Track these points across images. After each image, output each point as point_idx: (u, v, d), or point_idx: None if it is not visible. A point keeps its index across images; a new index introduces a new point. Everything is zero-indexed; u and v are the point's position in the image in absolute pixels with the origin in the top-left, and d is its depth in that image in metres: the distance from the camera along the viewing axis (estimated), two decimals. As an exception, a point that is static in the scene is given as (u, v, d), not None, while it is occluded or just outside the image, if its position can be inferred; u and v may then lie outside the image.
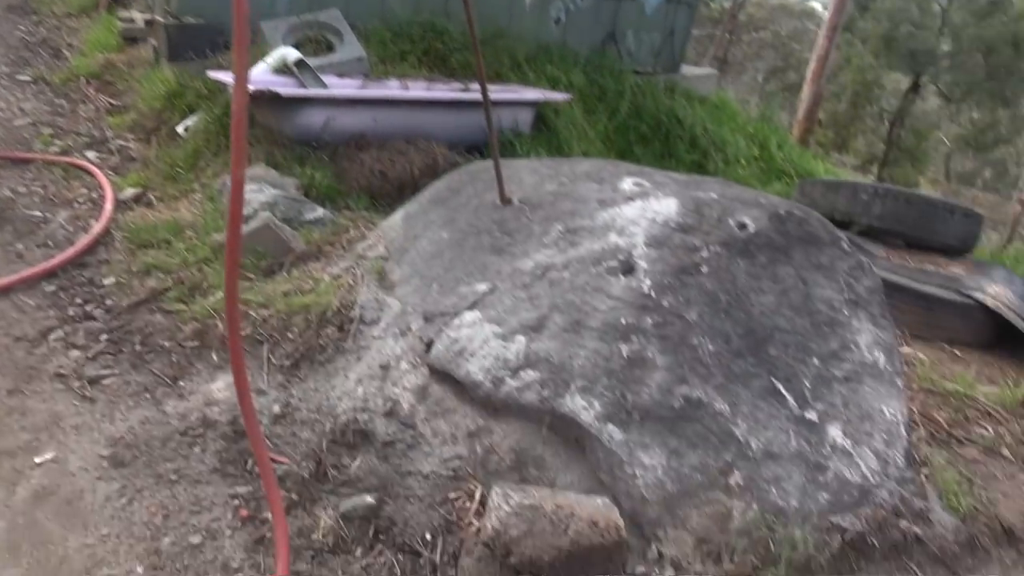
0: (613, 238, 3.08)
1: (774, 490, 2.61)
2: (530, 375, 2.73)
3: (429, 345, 2.95)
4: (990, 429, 3.96)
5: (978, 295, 5.05)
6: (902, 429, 3.02)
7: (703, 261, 3.01)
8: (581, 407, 2.64)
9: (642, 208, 3.21)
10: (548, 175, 3.66)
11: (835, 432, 2.85)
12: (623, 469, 2.56)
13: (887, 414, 3.02)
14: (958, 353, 5.03)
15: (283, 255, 3.94)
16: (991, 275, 5.52)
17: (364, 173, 5.08)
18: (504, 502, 2.36)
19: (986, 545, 2.90)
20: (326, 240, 4.19)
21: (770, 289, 3.10)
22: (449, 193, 3.82)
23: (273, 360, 3.23)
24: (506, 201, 3.46)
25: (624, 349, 2.74)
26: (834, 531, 2.64)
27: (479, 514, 2.53)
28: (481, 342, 2.85)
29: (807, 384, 2.93)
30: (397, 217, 4.07)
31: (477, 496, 2.58)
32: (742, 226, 3.21)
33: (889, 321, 3.32)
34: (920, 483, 2.96)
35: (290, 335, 3.31)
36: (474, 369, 2.78)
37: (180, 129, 5.56)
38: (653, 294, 2.86)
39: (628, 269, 2.98)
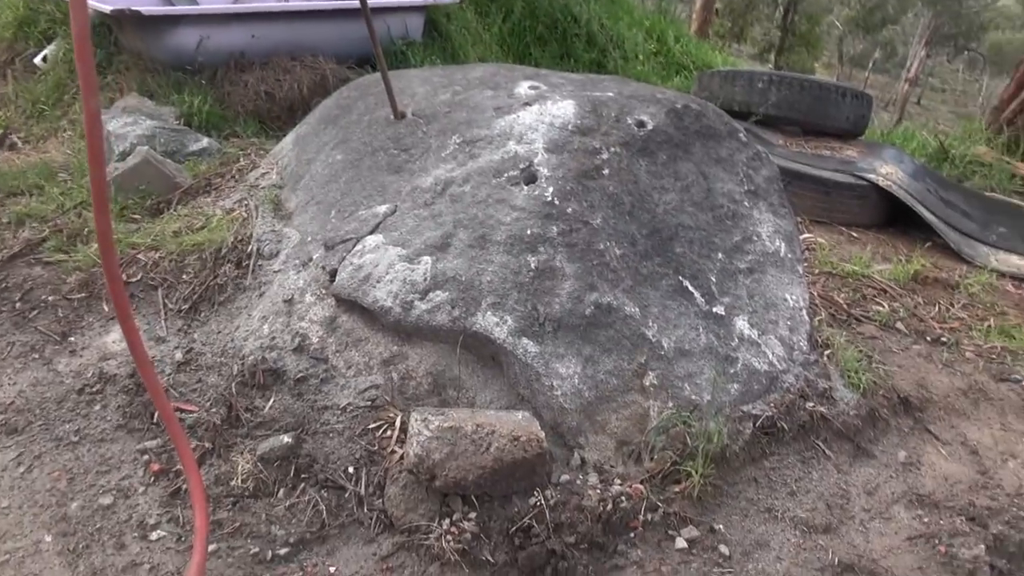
0: (512, 146, 2.99)
1: (687, 386, 2.68)
2: (439, 296, 2.67)
3: (333, 275, 2.84)
4: (885, 305, 4.17)
5: (871, 176, 5.23)
6: (804, 315, 3.13)
7: (604, 164, 2.97)
8: (494, 324, 2.62)
9: (539, 113, 3.11)
10: (441, 84, 3.50)
11: (742, 324, 2.93)
12: (540, 382, 2.57)
13: (790, 301, 3.12)
14: (855, 235, 5.24)
15: (169, 191, 3.70)
16: (883, 156, 5.71)
17: (249, 96, 4.77)
18: (424, 427, 2.34)
19: (885, 416, 3.08)
20: (214, 172, 3.94)
21: (672, 187, 3.10)
22: (340, 111, 3.62)
23: (170, 305, 3.06)
24: (400, 115, 3.30)
25: (532, 261, 2.71)
26: (746, 419, 2.74)
27: (401, 442, 2.51)
28: (386, 267, 2.76)
29: (713, 279, 2.98)
30: (288, 140, 3.85)
31: (397, 424, 2.55)
32: (640, 124, 3.17)
33: (788, 209, 3.39)
34: (823, 365, 3.10)
35: (185, 277, 3.13)
36: (382, 295, 2.70)
37: (37, 60, 5.06)
38: (557, 202, 2.82)
39: (530, 178, 2.91)
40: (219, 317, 2.97)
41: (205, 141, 4.22)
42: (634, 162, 3.05)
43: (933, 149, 6.46)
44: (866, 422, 3.03)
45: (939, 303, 4.33)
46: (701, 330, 2.82)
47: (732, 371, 2.80)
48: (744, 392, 2.79)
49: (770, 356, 2.91)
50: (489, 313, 2.63)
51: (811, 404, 2.90)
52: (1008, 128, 6.18)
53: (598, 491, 2.43)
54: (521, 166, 2.92)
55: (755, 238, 3.21)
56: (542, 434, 2.40)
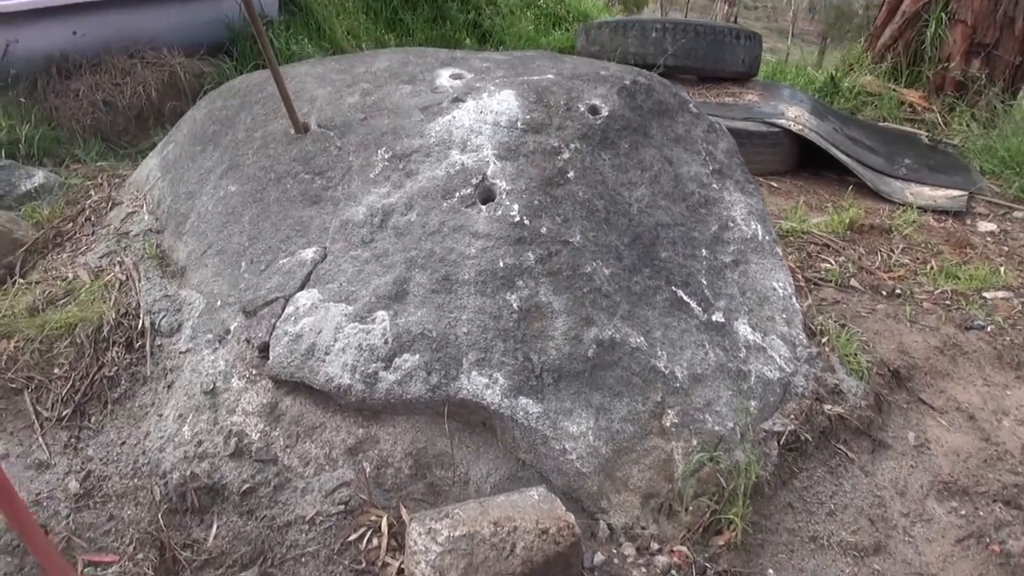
0: (457, 157, 2.47)
1: (709, 417, 2.32)
2: (409, 361, 2.15)
3: (264, 349, 2.25)
4: (833, 262, 4.01)
5: (782, 122, 5.06)
6: (795, 302, 2.85)
7: (567, 165, 2.51)
8: (483, 386, 2.14)
9: (478, 110, 2.59)
10: (343, 82, 2.88)
11: (743, 329, 2.60)
12: (549, 446, 2.13)
13: (779, 290, 2.83)
14: (775, 184, 5.08)
15: (6, 252, 2.89)
16: (782, 96, 5.57)
17: (83, 109, 3.90)
18: (431, 541, 1.85)
19: (887, 397, 2.89)
20: (62, 215, 3.15)
21: (640, 179, 2.69)
22: (218, 126, 2.93)
23: (44, 412, 2.35)
24: (302, 128, 2.67)
25: (513, 300, 2.23)
26: (770, 439, 2.44)
27: (393, 550, 2.01)
28: (333, 332, 2.20)
29: (704, 281, 2.62)
30: (152, 166, 3.11)
31: (384, 528, 2.04)
32: (594, 111, 2.72)
33: (754, 184, 3.08)
34: (825, 355, 2.84)
35: (58, 371, 2.42)
36: (335, 371, 2.15)
37: None
38: (526, 221, 2.34)
39: (486, 195, 2.41)
40: (117, 422, 2.31)
41: (40, 175, 3.38)
42: (597, 157, 2.61)
43: (821, 83, 6.41)
44: (874, 410, 2.81)
45: (880, 251, 4.23)
46: (707, 346, 2.46)
47: (747, 386, 2.47)
48: (762, 408, 2.48)
49: (778, 360, 2.61)
50: (475, 373, 2.15)
51: (828, 407, 2.64)
52: (889, 55, 6.20)
53: (641, 568, 2.05)
54: (473, 181, 2.41)
55: (731, 224, 2.87)
56: (571, 518, 1.97)
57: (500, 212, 2.34)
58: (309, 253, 2.39)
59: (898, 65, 6.15)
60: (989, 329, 3.58)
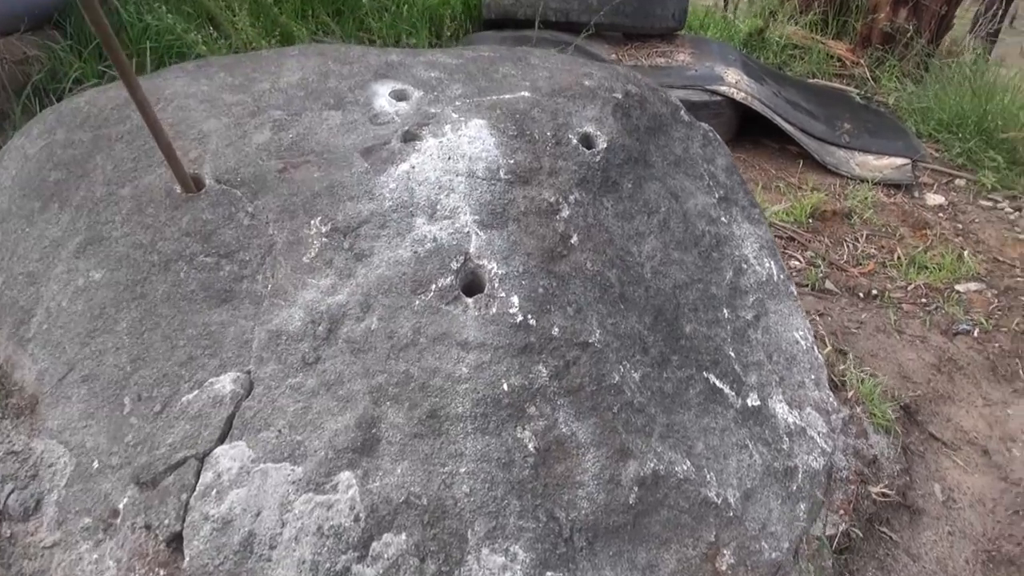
0: (425, 228, 1.80)
1: (765, 545, 1.85)
2: (392, 544, 1.53)
3: (175, 541, 1.55)
4: (802, 259, 3.64)
5: (724, 89, 4.58)
6: (817, 353, 2.41)
7: (569, 226, 1.90)
8: (499, 568, 1.56)
9: (443, 153, 1.91)
10: (242, 107, 2.09)
11: (780, 409, 2.13)
12: (594, 637, 1.59)
13: (802, 342, 2.37)
14: (722, 160, 4.63)
15: None
16: (713, 54, 5.08)
17: None
18: None
19: (907, 445, 2.55)
20: None
21: (648, 227, 2.12)
22: (63, 172, 2.08)
23: None
24: (193, 185, 1.90)
25: (526, 436, 1.64)
26: (823, 548, 2.01)
27: None
28: (277, 510, 1.53)
29: (732, 354, 2.12)
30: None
31: None
32: (588, 141, 2.10)
33: (758, 208, 2.57)
34: (857, 417, 2.43)
35: None
36: (288, 573, 1.50)
37: None
38: (531, 318, 1.73)
39: (474, 283, 1.77)
40: (-44, 663, 1.57)
41: None
42: (600, 207, 2.01)
43: (745, 34, 5.96)
44: (904, 470, 2.46)
45: (845, 241, 3.91)
46: (750, 445, 1.98)
47: (795, 487, 2.02)
48: (811, 509, 2.04)
49: (819, 440, 2.17)
50: (486, 550, 1.56)
51: (872, 487, 2.24)
52: (816, 4, 5.81)
53: None
54: (453, 265, 1.75)
55: (745, 266, 2.36)
56: None
57: (495, 309, 1.71)
58: (226, 382, 1.68)
59: (825, 15, 5.77)
60: (976, 334, 3.33)
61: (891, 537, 2.26)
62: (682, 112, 2.51)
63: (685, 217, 2.24)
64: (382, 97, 2.11)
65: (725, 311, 2.19)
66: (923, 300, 3.53)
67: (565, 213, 1.91)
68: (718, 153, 2.55)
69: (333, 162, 1.91)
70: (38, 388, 1.82)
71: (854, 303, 3.45)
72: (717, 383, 2.01)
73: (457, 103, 2.07)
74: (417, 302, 1.72)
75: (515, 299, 1.73)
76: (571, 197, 1.94)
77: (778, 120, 4.59)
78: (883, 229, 4.05)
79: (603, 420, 1.71)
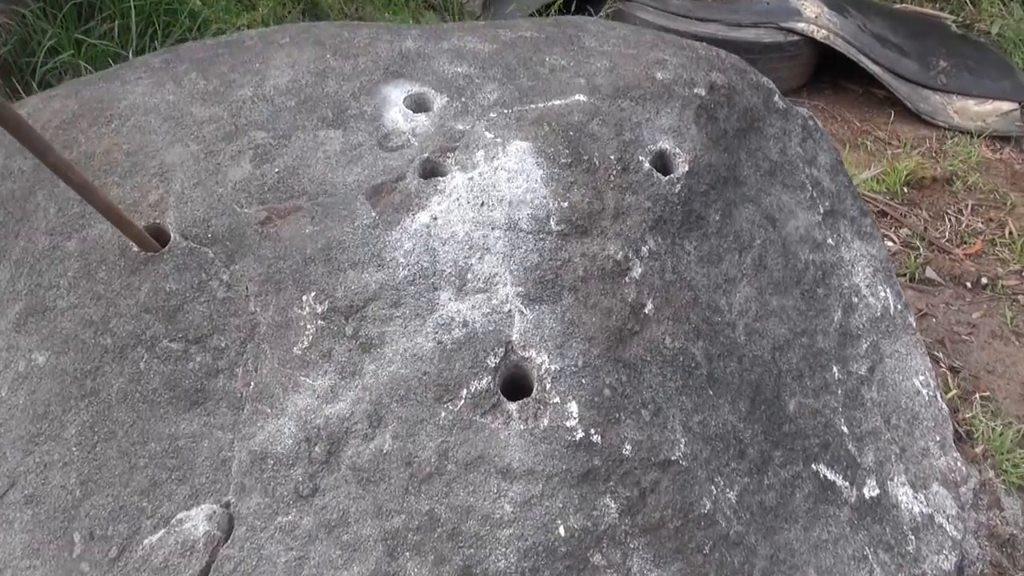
0: (452, 307, 1.35)
1: None
2: None
3: None
4: (897, 240, 3.11)
5: (801, 26, 3.93)
6: (941, 403, 1.94)
7: (642, 290, 1.44)
8: None
9: (475, 196, 1.44)
10: (216, 126, 1.62)
11: (903, 495, 1.69)
12: None
13: (923, 391, 1.90)
14: (797, 113, 4.03)
15: None
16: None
17: None
18: None
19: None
20: None
21: (739, 269, 1.64)
22: (1, 214, 1.66)
23: None
24: (153, 243, 1.46)
25: (591, 599, 1.23)
26: None
27: None
28: None
29: (845, 429, 1.67)
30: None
31: None
32: (664, 163, 1.61)
33: (869, 218, 2.06)
34: (990, 484, 1.98)
35: None
36: None
37: None
38: (594, 435, 1.29)
39: (518, 383, 1.34)
40: None
41: None
42: (681, 255, 1.53)
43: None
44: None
45: (947, 214, 3.35)
46: (869, 556, 1.55)
47: (923, 603, 1.60)
48: (942, 625, 1.63)
49: (948, 529, 1.73)
50: None
51: (1013, 581, 1.82)
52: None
53: None
54: (490, 360, 1.31)
55: (856, 299, 1.88)
56: None
57: (547, 420, 1.28)
58: (199, 519, 1.29)
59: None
60: (1107, 335, 2.80)
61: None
62: (776, 98, 1.97)
63: (784, 247, 1.75)
64: (395, 107, 1.62)
65: (835, 369, 1.73)
66: (1041, 289, 3.00)
67: (637, 272, 1.44)
68: (820, 149, 2.02)
69: (331, 209, 1.45)
70: (-22, 503, 1.46)
71: (961, 296, 2.93)
72: (828, 475, 1.58)
73: (492, 115, 1.58)
74: (443, 413, 1.29)
75: (573, 406, 1.30)
76: (644, 248, 1.46)
77: (865, 62, 3.94)
78: (991, 196, 3.46)
79: (691, 566, 1.30)
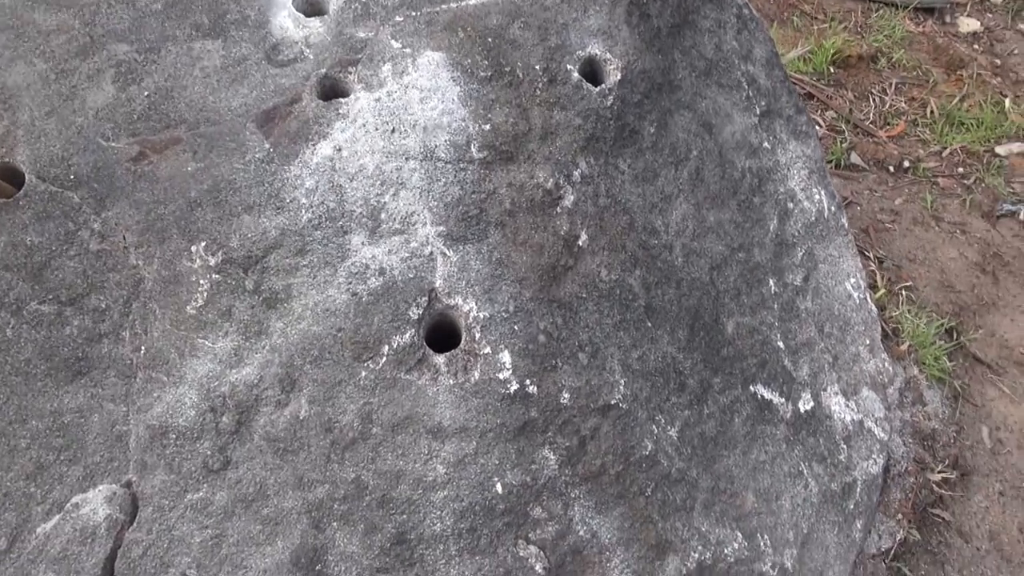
0: (365, 252, 1.21)
1: (825, 602, 1.50)
2: None
3: None
4: (823, 123, 3.06)
5: None
6: (871, 304, 1.94)
7: (575, 219, 1.32)
8: None
9: (384, 120, 1.27)
10: (66, 32, 1.35)
11: (836, 404, 1.70)
12: None
13: (854, 294, 1.89)
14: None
15: None
16: None
17: None
18: None
19: (953, 385, 2.18)
20: None
21: (676, 185, 1.53)
22: None
23: None
24: (5, 187, 1.24)
25: (532, 552, 1.19)
26: (877, 565, 1.68)
27: None
28: None
29: (781, 344, 1.64)
30: None
31: None
32: (594, 71, 1.45)
33: (804, 114, 1.96)
34: (913, 381, 2.02)
35: None
36: None
37: None
38: (529, 385, 1.21)
39: (445, 334, 1.22)
40: None
41: None
42: (615, 176, 1.41)
43: None
44: (957, 429, 2.11)
45: (871, 94, 3.30)
46: (805, 470, 1.57)
47: (852, 506, 1.65)
48: (866, 524, 1.69)
49: (876, 432, 1.76)
50: None
51: (932, 476, 1.89)
52: None
53: None
54: (412, 311, 1.19)
55: (791, 205, 1.81)
56: None
57: (478, 373, 1.18)
58: (98, 502, 1.16)
59: None
60: (1022, 216, 2.88)
61: (943, 518, 1.95)
62: (710, -18, 1.80)
63: (721, 156, 1.64)
64: (283, 10, 1.39)
65: (771, 283, 1.67)
66: (960, 171, 3.03)
67: (569, 200, 1.31)
68: (756, 41, 1.88)
69: (215, 141, 1.25)
70: None
71: (884, 181, 2.93)
72: (765, 394, 1.55)
73: (398, 19, 1.37)
74: (363, 373, 1.17)
75: (506, 356, 1.20)
76: (575, 172, 1.33)
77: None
78: (914, 74, 3.42)
79: (633, 508, 1.26)
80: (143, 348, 1.20)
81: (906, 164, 3.01)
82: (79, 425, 1.19)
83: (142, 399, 1.18)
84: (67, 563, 1.14)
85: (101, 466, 1.18)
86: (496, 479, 1.17)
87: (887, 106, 3.26)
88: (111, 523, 1.16)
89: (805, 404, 1.63)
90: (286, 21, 1.38)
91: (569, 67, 1.39)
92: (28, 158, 1.26)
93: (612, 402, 1.26)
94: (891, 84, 3.34)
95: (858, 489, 1.66)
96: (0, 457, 1.19)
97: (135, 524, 1.16)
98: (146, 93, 1.29)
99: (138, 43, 1.34)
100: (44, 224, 1.23)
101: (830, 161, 2.95)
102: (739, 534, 1.38)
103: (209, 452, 1.16)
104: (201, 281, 1.19)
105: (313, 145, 1.24)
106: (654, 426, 1.30)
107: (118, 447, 1.18)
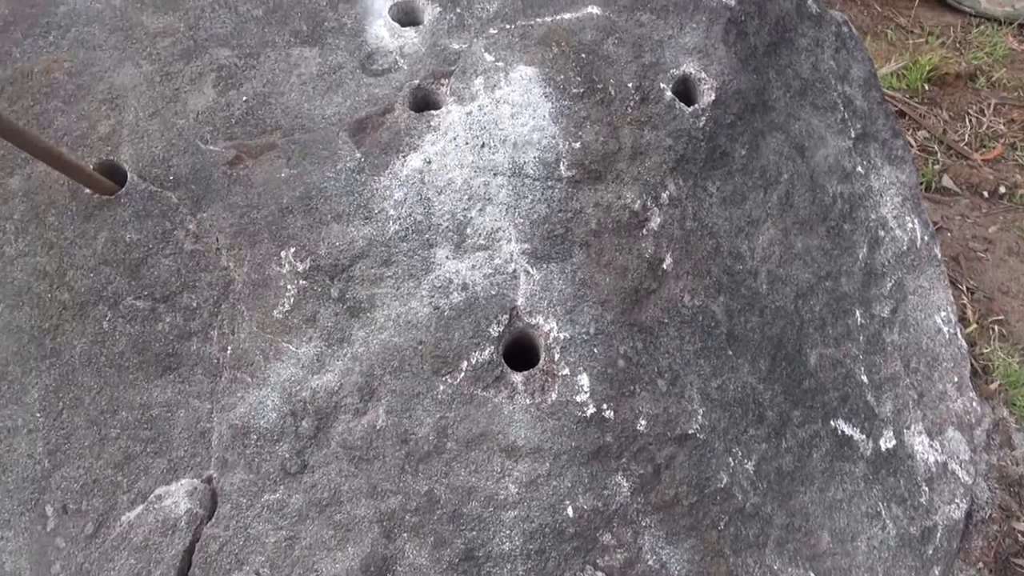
0: (449, 266, 1.21)
1: (898, 650, 1.44)
2: None
3: None
4: (916, 144, 2.94)
5: None
6: (961, 340, 1.85)
7: (660, 243, 1.29)
8: None
9: (474, 134, 1.26)
10: (171, 35, 1.40)
11: (919, 444, 1.63)
12: None
13: (944, 328, 1.81)
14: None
15: None
16: None
17: None
18: None
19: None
20: None
21: (764, 209, 1.49)
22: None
23: None
24: (107, 185, 1.29)
25: (599, 580, 1.18)
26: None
27: None
28: None
29: (864, 378, 1.58)
30: None
31: None
32: (688, 91, 1.42)
33: (901, 139, 1.88)
34: (1003, 423, 1.92)
35: None
36: None
37: None
38: (606, 410, 1.19)
39: (521, 351, 1.22)
40: None
41: None
42: (703, 199, 1.38)
43: None
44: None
45: (968, 114, 3.15)
46: (883, 511, 1.51)
47: (931, 551, 1.58)
48: (944, 571, 1.62)
49: (960, 475, 1.69)
50: None
51: (1017, 524, 1.79)
52: None
53: None
54: (493, 328, 1.19)
55: (882, 232, 1.74)
56: None
57: (555, 394, 1.18)
58: (180, 496, 1.20)
59: None
60: None
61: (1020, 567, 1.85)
62: (810, 1, 1.75)
63: (812, 180, 1.59)
64: (379, 19, 1.40)
65: (858, 313, 1.61)
66: (1062, 199, 2.87)
67: (655, 222, 1.29)
68: (854, 60, 1.82)
69: (309, 148, 1.27)
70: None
71: (977, 207, 2.80)
72: (846, 430, 1.50)
73: (492, 31, 1.37)
74: (441, 387, 1.17)
75: (584, 379, 1.18)
76: (663, 194, 1.31)
77: (891, -63, 3.59)
78: (1015, 94, 3.25)
79: (705, 542, 1.23)
80: (230, 348, 1.23)
81: (1002, 190, 2.87)
82: (166, 419, 1.23)
83: (226, 398, 1.21)
84: (148, 553, 1.18)
85: (184, 460, 1.21)
86: (567, 502, 1.16)
87: (984, 127, 3.12)
88: (191, 517, 1.19)
89: (887, 442, 1.57)
90: (382, 30, 1.39)
91: (662, 85, 1.37)
92: (131, 157, 1.30)
93: (689, 432, 1.23)
94: (989, 104, 3.19)
95: (938, 534, 1.59)
96: (91, 445, 1.24)
97: (213, 519, 1.19)
98: (244, 98, 1.32)
99: (239, 48, 1.38)
100: (143, 222, 1.27)
101: (920, 184, 2.83)
102: (812, 574, 1.34)
103: (287, 455, 1.19)
104: (288, 286, 1.22)
105: (403, 157, 1.25)
106: (731, 458, 1.27)
107: (201, 443, 1.22)
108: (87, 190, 1.29)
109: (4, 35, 1.44)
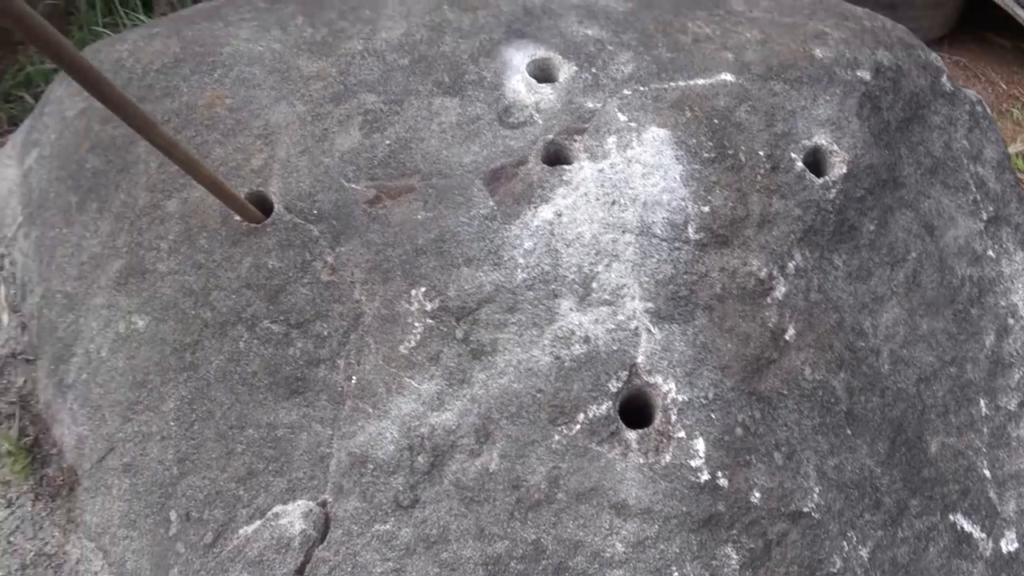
0: (573, 318, 1.23)
1: None
2: None
3: None
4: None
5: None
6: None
7: (784, 313, 1.28)
8: None
9: (604, 191, 1.30)
10: (323, 79, 1.50)
11: (1044, 547, 1.53)
12: None
13: (1074, 427, 1.70)
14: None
15: None
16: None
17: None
18: None
19: None
20: None
21: (890, 287, 1.46)
22: (102, 160, 1.59)
23: None
24: (256, 214, 1.37)
25: (700, 651, 1.15)
26: None
27: None
28: None
29: (987, 472, 1.50)
30: (9, 182, 1.81)
31: None
32: (817, 162, 1.42)
33: (1036, 222, 1.81)
34: None
35: None
36: None
37: None
38: (720, 478, 1.18)
39: (639, 410, 1.22)
40: None
41: None
42: (828, 272, 1.36)
43: None
44: None
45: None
46: (1000, 615, 1.42)
47: (1051, 666, 1.47)
48: None
49: (1086, 586, 1.57)
50: None
51: None
52: None
53: None
54: (612, 384, 1.20)
55: (1011, 321, 1.67)
56: None
57: (669, 456, 1.17)
58: (295, 516, 1.24)
59: None
60: None
61: None
62: (944, 79, 1.72)
63: (941, 261, 1.55)
64: (517, 74, 1.46)
65: (982, 403, 1.55)
66: None
67: (780, 292, 1.28)
68: (987, 141, 1.77)
69: (445, 193, 1.33)
70: (77, 460, 1.45)
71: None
72: (965, 526, 1.43)
73: (626, 92, 1.41)
74: (557, 437, 1.19)
75: (700, 443, 1.18)
76: (790, 264, 1.30)
77: (1018, 11, 3.50)
78: None
79: (812, 626, 1.19)
80: (355, 378, 1.28)
81: None
82: (289, 440, 1.28)
83: (347, 426, 1.26)
84: (261, 568, 1.23)
85: (303, 482, 1.26)
86: (674, 568, 1.15)
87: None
88: (304, 538, 1.23)
89: (1008, 544, 1.49)
90: (519, 85, 1.45)
91: (793, 155, 1.37)
92: (280, 190, 1.39)
93: (804, 509, 1.20)
94: (1125, 192, 3.03)
95: (1061, 647, 1.48)
96: (218, 457, 1.31)
97: (325, 543, 1.23)
98: (387, 142, 1.40)
99: (385, 94, 1.46)
100: (285, 251, 1.35)
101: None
102: (924, 675, 1.27)
103: (401, 488, 1.22)
104: (416, 324, 1.26)
105: (535, 208, 1.29)
106: (845, 542, 1.23)
107: (320, 467, 1.26)
108: (237, 217, 1.38)
109: (174, 71, 1.57)
